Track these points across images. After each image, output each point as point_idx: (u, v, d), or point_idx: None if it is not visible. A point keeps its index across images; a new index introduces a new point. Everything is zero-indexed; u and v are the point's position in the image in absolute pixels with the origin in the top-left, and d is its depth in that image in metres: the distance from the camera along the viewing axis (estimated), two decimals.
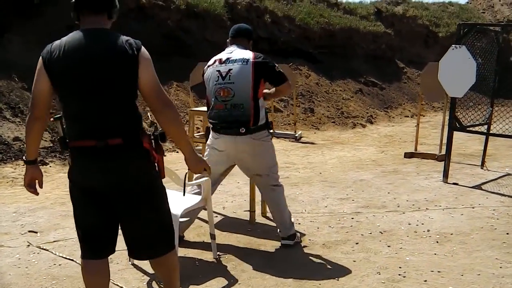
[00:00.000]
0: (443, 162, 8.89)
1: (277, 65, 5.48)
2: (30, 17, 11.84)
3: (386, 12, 21.63)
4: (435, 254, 5.54)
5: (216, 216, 6.73)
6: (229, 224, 6.44)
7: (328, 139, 12.94)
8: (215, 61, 5.45)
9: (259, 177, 5.64)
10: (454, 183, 8.43)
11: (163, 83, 11.75)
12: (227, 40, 5.61)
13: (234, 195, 7.59)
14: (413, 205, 7.26)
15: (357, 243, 5.82)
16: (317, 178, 8.71)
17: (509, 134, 8.57)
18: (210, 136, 5.60)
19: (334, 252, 5.59)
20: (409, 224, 6.46)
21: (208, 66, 5.48)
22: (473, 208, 7.14)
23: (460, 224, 6.47)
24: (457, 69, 8.20)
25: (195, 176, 5.47)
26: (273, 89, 5.64)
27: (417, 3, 23.62)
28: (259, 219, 6.60)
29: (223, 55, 5.44)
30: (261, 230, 6.19)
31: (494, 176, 9.10)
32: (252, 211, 6.46)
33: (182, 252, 5.55)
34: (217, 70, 5.36)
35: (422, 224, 6.46)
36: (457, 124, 8.61)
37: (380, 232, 6.18)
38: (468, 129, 8.82)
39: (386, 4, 22.48)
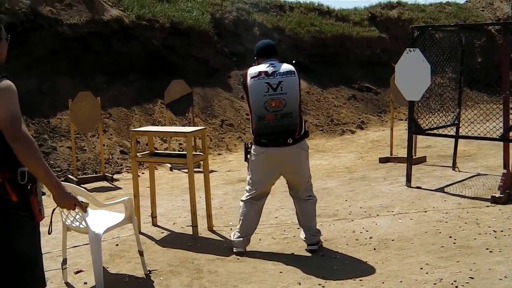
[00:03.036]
0: (414, 165, 8.87)
1: None
2: (13, 44, 11.99)
3: (380, 16, 21.52)
4: (366, 261, 5.53)
5: (163, 232, 6.77)
6: (172, 239, 6.47)
7: (312, 148, 12.83)
8: (260, 73, 5.64)
9: (300, 188, 5.92)
10: (417, 187, 8.37)
11: (148, 101, 11.96)
12: (255, 58, 5.89)
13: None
14: (365, 212, 7.22)
15: (292, 254, 5.81)
16: (280, 189, 8.62)
17: (468, 135, 8.49)
18: (254, 152, 5.76)
19: (265, 263, 5.59)
20: (353, 232, 6.44)
21: (252, 77, 5.65)
22: (425, 212, 7.09)
23: (405, 229, 6.42)
24: (413, 72, 8.17)
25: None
26: None
27: (413, 5, 23.45)
28: (205, 233, 6.62)
29: (266, 68, 5.66)
30: (201, 245, 6.21)
31: (463, 177, 9.02)
32: (194, 226, 6.48)
33: (116, 269, 5.61)
34: (265, 82, 5.59)
35: (367, 231, 6.43)
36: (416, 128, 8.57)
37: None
38: (427, 132, 8.77)
39: (381, 8, 22.34)
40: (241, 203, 5.95)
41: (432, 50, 8.98)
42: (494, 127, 8.35)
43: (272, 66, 5.65)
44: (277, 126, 5.55)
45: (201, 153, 6.98)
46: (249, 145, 5.84)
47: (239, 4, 18.28)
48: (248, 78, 5.64)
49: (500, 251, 5.60)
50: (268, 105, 5.54)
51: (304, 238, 5.97)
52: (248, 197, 5.89)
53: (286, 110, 5.55)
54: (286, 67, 5.68)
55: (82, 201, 3.54)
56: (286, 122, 5.55)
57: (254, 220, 5.95)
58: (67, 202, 3.43)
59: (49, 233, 3.92)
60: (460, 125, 9.34)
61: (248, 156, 5.83)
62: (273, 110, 5.54)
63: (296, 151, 5.65)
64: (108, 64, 13.67)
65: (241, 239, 5.89)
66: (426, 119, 9.23)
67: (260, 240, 6.31)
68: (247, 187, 5.92)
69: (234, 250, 5.89)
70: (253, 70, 5.68)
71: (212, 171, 10.40)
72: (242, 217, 5.90)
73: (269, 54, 5.81)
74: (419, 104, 9.12)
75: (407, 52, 8.28)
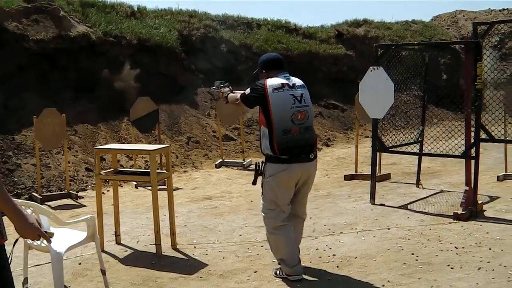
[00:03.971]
0: (378, 182, 8.96)
1: None
2: None
3: (347, 34, 21.72)
4: (328, 279, 5.56)
5: (126, 251, 6.73)
6: (136, 258, 6.44)
7: None
8: (283, 85, 5.43)
9: (303, 206, 5.82)
10: (381, 204, 8.45)
11: (114, 118, 11.85)
12: (263, 71, 5.67)
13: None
14: (329, 229, 7.26)
15: (255, 272, 5.82)
16: (245, 207, 8.71)
17: (430, 152, 8.61)
18: (273, 171, 5.46)
19: (228, 282, 5.59)
20: (316, 249, 6.47)
21: (275, 89, 5.39)
22: (388, 229, 7.15)
23: (368, 246, 6.47)
24: (376, 90, 8.25)
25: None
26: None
27: (380, 23, 23.67)
28: (168, 251, 6.60)
29: (286, 80, 5.48)
30: (164, 263, 6.20)
31: (427, 194, 9.12)
32: (157, 244, 6.46)
33: None
34: (290, 94, 5.40)
35: (330, 249, 6.47)
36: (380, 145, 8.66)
37: None
38: (391, 149, 8.88)
39: (347, 26, 22.54)
40: (273, 233, 5.58)
41: (397, 68, 9.10)
42: (456, 144, 8.44)
43: (289, 79, 5.52)
44: (300, 139, 5.38)
45: (165, 171, 6.97)
46: (260, 166, 5.61)
47: (207, 21, 18.34)
48: (269, 90, 5.37)
49: (461, 268, 5.68)
50: (294, 118, 5.35)
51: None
52: (278, 223, 5.53)
53: (308, 123, 5.45)
54: (299, 80, 5.59)
55: (46, 231, 3.40)
56: (308, 135, 5.44)
57: (294, 243, 5.70)
58: (30, 232, 3.29)
59: (9, 263, 3.59)
60: (424, 142, 9.45)
61: (260, 178, 5.60)
62: (299, 123, 5.37)
63: (314, 166, 5.61)
64: (75, 80, 13.60)
65: (297, 265, 5.58)
66: (391, 136, 9.32)
67: (223, 258, 6.31)
68: (268, 213, 5.58)
69: (296, 278, 5.52)
70: (274, 82, 5.43)
71: (178, 188, 10.39)
72: (285, 246, 5.56)
73: (281, 67, 5.65)
74: (384, 122, 9.22)
75: (371, 70, 8.37)
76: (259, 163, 5.64)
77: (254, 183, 5.72)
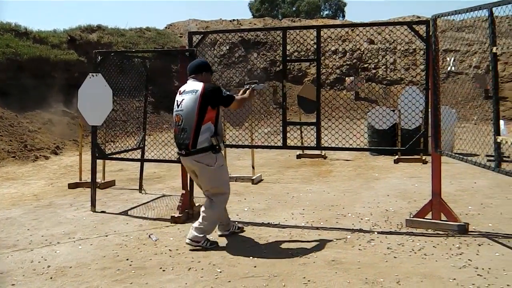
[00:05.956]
0: (103, 189, 8.97)
1: (224, 90, 6.54)
2: None
3: (80, 40, 21.51)
4: None
5: None
6: None
7: (2, 175, 12.42)
8: (177, 93, 6.59)
9: (202, 187, 6.79)
10: (102, 211, 8.48)
11: None
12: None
13: None
14: (46, 240, 7.13)
15: None
16: None
17: (149, 158, 8.83)
18: None
19: None
20: (31, 262, 6.31)
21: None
22: (106, 236, 7.21)
23: (84, 255, 6.47)
24: (96, 97, 8.29)
25: None
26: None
27: (113, 30, 23.75)
28: None
29: (182, 88, 6.58)
30: None
31: (149, 199, 9.35)
32: None
33: None
34: (176, 100, 6.52)
35: (45, 260, 6.35)
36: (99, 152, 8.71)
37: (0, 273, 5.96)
38: (111, 156, 8.96)
39: (80, 31, 22.32)
40: None
41: (127, 75, 9.23)
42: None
43: (186, 85, 6.55)
44: (179, 138, 6.47)
45: None
46: None
47: None
48: None
49: (172, 269, 5.90)
50: (174, 120, 6.54)
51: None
52: None
53: (183, 125, 6.39)
54: (194, 85, 6.46)
55: None
56: (183, 135, 6.40)
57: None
58: None
59: None
60: (150, 147, 9.63)
61: None
62: (177, 124, 6.47)
63: (193, 164, 6.49)
64: None
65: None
66: (122, 142, 9.40)
67: None
68: None
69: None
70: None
71: None
72: None
73: (191, 72, 6.61)
74: (117, 128, 9.28)
75: (90, 77, 8.39)
76: None
77: None
